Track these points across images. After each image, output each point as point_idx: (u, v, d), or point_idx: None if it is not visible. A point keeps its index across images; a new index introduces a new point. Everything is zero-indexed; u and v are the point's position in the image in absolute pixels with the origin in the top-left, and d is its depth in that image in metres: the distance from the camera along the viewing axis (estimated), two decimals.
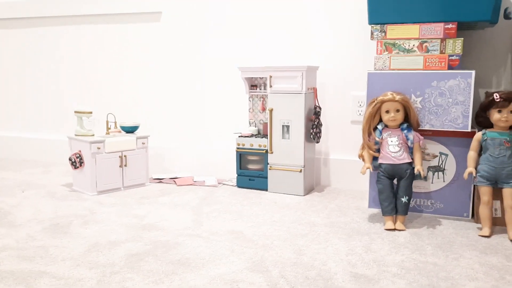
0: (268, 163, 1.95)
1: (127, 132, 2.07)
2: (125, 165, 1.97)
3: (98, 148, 1.88)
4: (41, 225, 1.52)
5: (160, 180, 2.15)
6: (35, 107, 2.66)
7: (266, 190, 1.96)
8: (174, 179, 2.14)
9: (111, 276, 1.14)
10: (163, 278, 1.13)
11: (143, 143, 2.04)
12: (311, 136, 1.90)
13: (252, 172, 2.00)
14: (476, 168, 1.50)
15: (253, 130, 2.04)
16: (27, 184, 2.07)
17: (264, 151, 1.96)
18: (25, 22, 2.58)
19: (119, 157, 1.95)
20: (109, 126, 2.04)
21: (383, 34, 1.62)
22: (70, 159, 1.92)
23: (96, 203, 1.79)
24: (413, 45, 1.59)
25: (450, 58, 1.54)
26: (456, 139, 1.58)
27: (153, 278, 1.13)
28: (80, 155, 1.90)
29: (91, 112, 1.97)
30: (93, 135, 1.96)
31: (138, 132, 2.10)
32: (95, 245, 1.34)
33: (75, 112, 1.98)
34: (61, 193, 1.92)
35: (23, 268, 1.18)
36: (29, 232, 1.45)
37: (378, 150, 1.57)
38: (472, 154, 1.51)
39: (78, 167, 1.91)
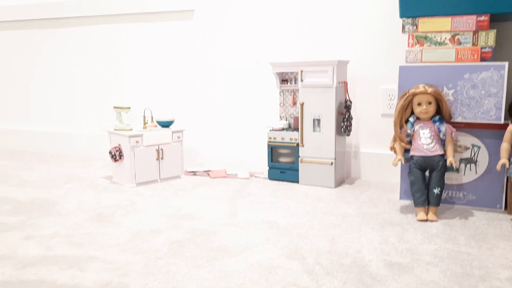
0: (299, 156, 1.99)
1: (163, 126, 2.15)
2: (162, 158, 2.06)
3: (137, 142, 1.97)
4: (87, 215, 1.61)
5: (194, 172, 2.22)
6: (73, 103, 2.78)
7: (297, 182, 2.01)
8: (207, 172, 2.21)
9: (156, 261, 1.21)
10: (205, 263, 1.19)
11: (178, 137, 2.12)
12: (342, 129, 1.93)
13: (283, 165, 2.05)
14: (509, 160, 1.50)
15: (284, 124, 2.09)
16: (70, 177, 2.18)
17: (295, 144, 2.00)
18: (63, 22, 2.70)
19: (156, 150, 2.04)
20: (146, 121, 2.12)
21: (415, 27, 1.64)
22: (110, 152, 2.01)
23: (136, 194, 1.87)
24: (445, 38, 1.60)
25: (482, 50, 1.55)
26: (489, 131, 1.59)
27: (195, 263, 1.19)
28: (119, 149, 1.99)
29: (129, 108, 2.06)
30: (131, 129, 2.05)
31: (173, 127, 2.18)
32: (138, 233, 1.42)
33: (114, 107, 2.07)
34: (103, 185, 2.02)
35: (74, 253, 1.27)
36: (76, 221, 1.54)
37: (410, 142, 1.59)
38: (505, 146, 1.51)
39: (117, 160, 2.00)
